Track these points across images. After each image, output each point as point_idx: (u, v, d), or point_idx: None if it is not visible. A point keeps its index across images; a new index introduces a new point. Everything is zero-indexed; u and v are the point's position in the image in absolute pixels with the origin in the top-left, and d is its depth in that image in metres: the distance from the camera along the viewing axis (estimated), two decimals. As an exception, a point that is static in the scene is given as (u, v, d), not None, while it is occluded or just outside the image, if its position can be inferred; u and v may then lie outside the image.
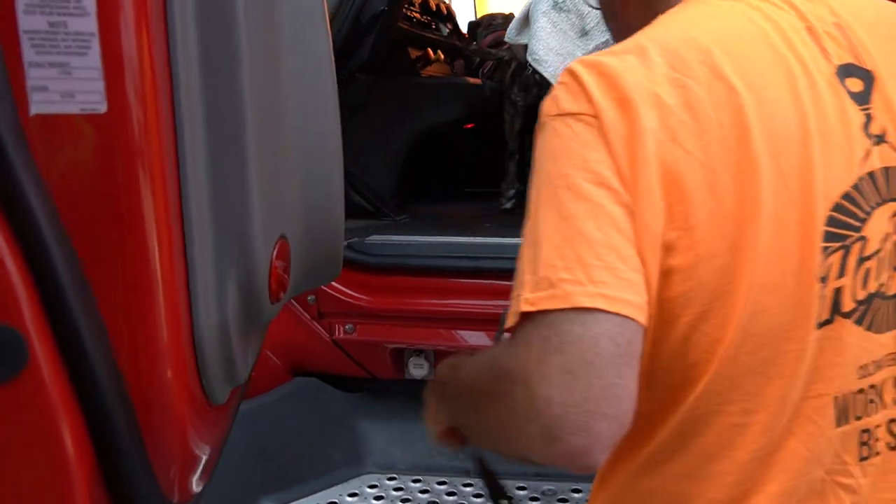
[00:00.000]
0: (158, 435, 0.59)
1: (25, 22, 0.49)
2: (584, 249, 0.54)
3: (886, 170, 0.61)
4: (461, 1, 3.91)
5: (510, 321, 0.55)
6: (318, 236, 0.77)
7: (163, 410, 0.60)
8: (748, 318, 0.57)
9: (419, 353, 1.84)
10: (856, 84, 0.62)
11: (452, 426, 0.69)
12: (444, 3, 3.02)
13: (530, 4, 1.89)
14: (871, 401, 0.62)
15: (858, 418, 0.62)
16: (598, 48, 1.75)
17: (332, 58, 0.76)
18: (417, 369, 1.83)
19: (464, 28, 3.21)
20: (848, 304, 0.60)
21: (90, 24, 0.50)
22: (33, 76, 0.50)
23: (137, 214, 0.55)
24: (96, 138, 0.53)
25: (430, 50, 2.74)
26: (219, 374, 0.67)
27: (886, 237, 0.61)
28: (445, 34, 2.93)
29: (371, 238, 1.87)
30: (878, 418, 0.63)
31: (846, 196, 0.60)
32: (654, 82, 0.57)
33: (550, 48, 1.78)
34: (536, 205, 0.57)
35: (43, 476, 0.53)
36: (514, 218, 2.28)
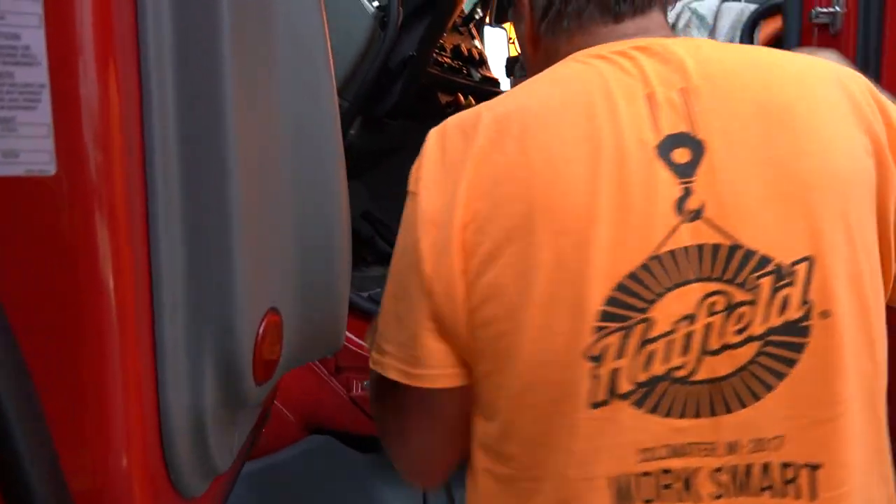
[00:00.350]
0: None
1: (-36, 72, 0.43)
2: (396, 327, 0.68)
3: (699, 248, 0.60)
4: (495, 41, 3.90)
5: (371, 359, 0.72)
6: (317, 305, 0.69)
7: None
8: (523, 390, 0.62)
9: (441, 412, 1.73)
10: (683, 155, 0.61)
11: None
12: (476, 48, 2.99)
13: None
14: (667, 486, 0.61)
15: (648, 501, 0.61)
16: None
17: (336, 103, 0.69)
18: (438, 430, 1.71)
19: (499, 66, 3.17)
20: (625, 386, 0.60)
21: (40, 74, 0.44)
22: (-28, 133, 0.44)
23: (91, 288, 0.48)
24: (43, 204, 0.46)
25: (460, 95, 2.69)
26: (191, 465, 0.58)
27: (687, 319, 0.60)
28: (477, 79, 2.88)
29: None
30: None
31: (632, 276, 0.59)
32: (469, 152, 0.64)
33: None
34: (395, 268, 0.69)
35: None
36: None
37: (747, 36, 1.55)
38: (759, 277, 0.59)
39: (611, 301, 0.59)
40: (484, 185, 0.63)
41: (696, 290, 0.60)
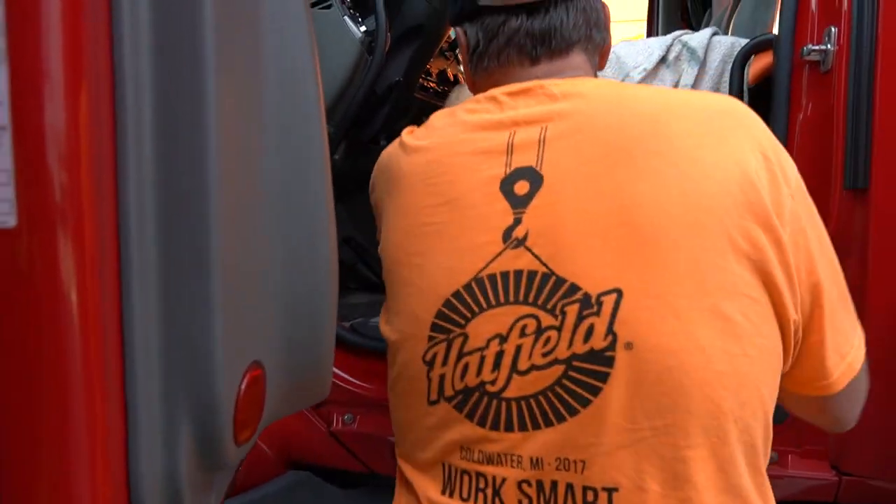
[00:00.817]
0: None
1: (-85, 113, 0.38)
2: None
3: (518, 273, 0.64)
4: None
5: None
6: (303, 355, 0.65)
7: None
8: (393, 383, 0.77)
9: (425, 448, 1.68)
10: (522, 187, 0.67)
11: None
12: (462, 72, 2.97)
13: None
14: (481, 489, 0.67)
15: (464, 499, 0.68)
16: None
17: (326, 139, 0.65)
18: (422, 466, 1.66)
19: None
20: (448, 390, 0.68)
21: (1, 116, 0.40)
22: (-77, 180, 0.39)
23: (55, 350, 0.43)
24: (2, 259, 0.41)
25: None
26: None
27: (498, 338, 0.65)
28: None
29: (376, 320, 1.75)
30: None
31: (456, 295, 0.67)
32: (378, 177, 0.83)
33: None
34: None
35: None
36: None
37: (738, 70, 1.54)
38: (566, 305, 0.62)
39: (439, 315, 0.68)
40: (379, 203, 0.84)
41: (510, 312, 0.65)
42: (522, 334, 0.64)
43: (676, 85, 1.64)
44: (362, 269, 2.20)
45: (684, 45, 1.64)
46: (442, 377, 0.69)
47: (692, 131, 0.66)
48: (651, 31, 3.22)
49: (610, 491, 0.62)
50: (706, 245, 0.62)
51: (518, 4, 0.77)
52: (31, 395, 0.42)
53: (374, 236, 2.07)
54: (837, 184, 1.35)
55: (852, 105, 1.32)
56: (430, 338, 0.69)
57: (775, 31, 1.55)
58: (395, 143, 0.82)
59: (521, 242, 0.65)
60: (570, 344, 0.62)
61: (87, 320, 0.44)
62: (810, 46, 1.37)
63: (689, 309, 0.61)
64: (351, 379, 1.64)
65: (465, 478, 0.69)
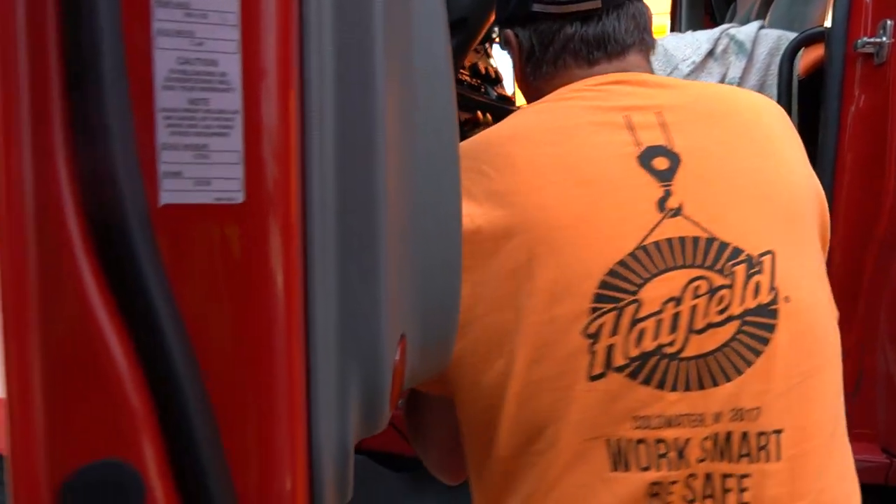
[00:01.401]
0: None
1: (163, 99, 0.42)
2: None
3: (681, 239, 0.69)
4: (503, 60, 3.93)
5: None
6: (434, 330, 0.68)
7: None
8: (529, 370, 0.68)
9: (476, 432, 1.72)
10: (662, 163, 0.72)
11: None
12: (493, 66, 3.00)
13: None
14: (662, 455, 0.68)
15: (645, 469, 0.68)
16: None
17: (458, 137, 0.69)
18: (474, 450, 1.71)
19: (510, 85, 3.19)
20: (619, 360, 0.68)
21: (235, 100, 0.43)
22: (166, 160, 0.43)
23: (268, 325, 0.47)
24: (229, 235, 0.45)
25: (479, 112, 2.70)
26: (332, 493, 0.57)
27: (672, 301, 0.68)
28: (494, 97, 2.89)
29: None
30: (673, 473, 0.68)
31: (621, 263, 0.68)
32: (466, 177, 0.71)
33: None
34: None
35: None
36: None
37: (788, 62, 1.57)
38: (734, 266, 0.69)
39: (603, 285, 0.67)
40: (478, 196, 0.72)
41: (681, 275, 0.68)
42: (696, 295, 0.67)
43: (724, 77, 1.67)
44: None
45: (732, 38, 1.67)
46: (610, 347, 0.68)
47: (779, 129, 0.79)
48: (675, 26, 3.24)
49: (778, 433, 0.68)
50: (810, 223, 0.75)
51: (572, 12, 0.80)
52: (248, 357, 0.46)
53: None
54: (892, 176, 1.38)
55: (906, 97, 1.35)
56: (594, 309, 0.68)
57: (826, 23, 1.58)
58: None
59: (677, 212, 0.69)
60: (743, 300, 0.68)
61: (291, 296, 0.47)
62: (865, 39, 1.40)
63: (815, 271, 0.73)
64: (405, 365, 1.67)
65: (642, 447, 0.68)
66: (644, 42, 0.84)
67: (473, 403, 0.74)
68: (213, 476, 0.43)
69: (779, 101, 1.57)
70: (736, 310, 0.68)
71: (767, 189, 0.72)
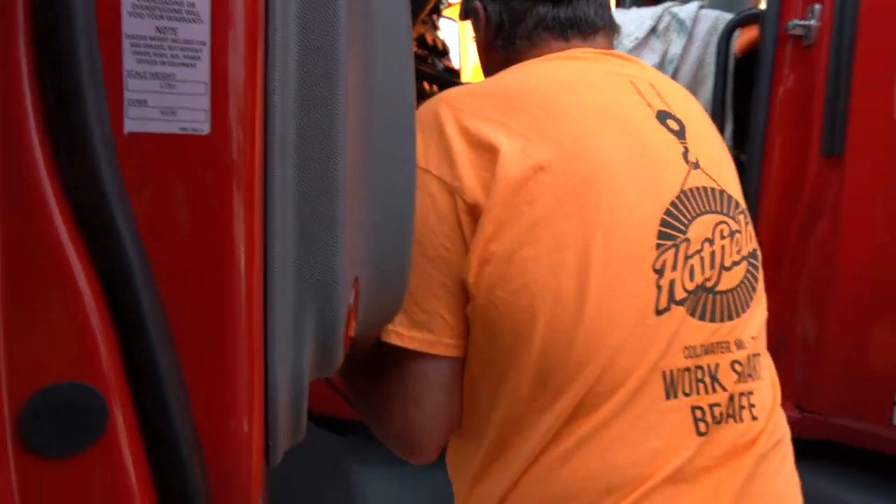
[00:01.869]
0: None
1: (130, 25, 0.42)
2: (415, 299, 0.73)
3: (705, 189, 0.76)
4: (447, 32, 3.92)
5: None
6: (386, 278, 0.70)
7: (236, 473, 0.52)
8: (596, 308, 0.69)
9: (419, 395, 1.75)
10: (674, 124, 0.79)
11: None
12: (440, 38, 3.00)
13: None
14: (700, 380, 0.73)
15: (687, 394, 0.72)
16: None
17: (414, 85, 0.70)
18: (416, 413, 1.73)
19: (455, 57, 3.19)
20: (680, 294, 0.72)
21: (203, 32, 0.44)
22: (132, 88, 0.43)
23: (226, 253, 0.48)
24: (193, 165, 0.45)
25: (425, 84, 2.70)
26: (286, 431, 0.59)
27: (707, 241, 0.75)
28: (440, 69, 2.90)
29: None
30: (714, 398, 0.73)
31: (673, 204, 0.73)
32: (502, 113, 0.72)
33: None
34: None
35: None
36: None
37: (725, 41, 1.64)
38: (737, 214, 0.79)
39: (663, 223, 0.72)
40: (527, 133, 0.72)
41: (710, 219, 0.75)
42: (722, 237, 0.75)
43: (665, 54, 1.72)
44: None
45: (674, 16, 1.72)
46: (672, 282, 0.71)
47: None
48: (619, 2, 3.30)
49: (758, 356, 0.79)
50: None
51: None
52: (211, 290, 0.47)
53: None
54: (815, 151, 1.47)
55: (832, 78, 1.43)
56: (659, 245, 0.71)
57: (762, 6, 1.65)
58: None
59: (697, 165, 0.77)
60: (747, 244, 0.79)
61: (251, 230, 0.49)
62: (795, 21, 1.47)
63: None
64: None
65: (687, 375, 0.72)
66: (612, 25, 0.89)
67: (516, 348, 0.72)
68: (175, 406, 0.44)
69: (716, 79, 1.64)
70: (745, 251, 0.78)
71: (726, 159, 0.84)
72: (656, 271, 0.71)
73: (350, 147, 0.58)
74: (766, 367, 0.81)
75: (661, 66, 1.72)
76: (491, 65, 0.92)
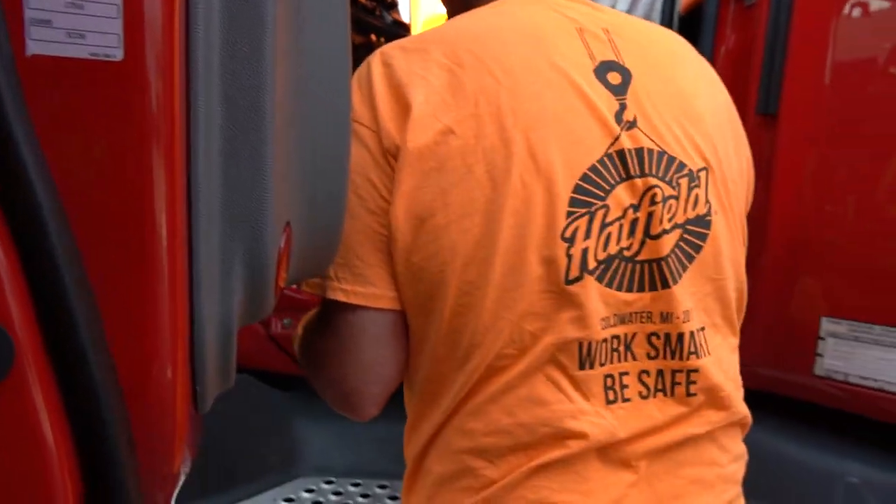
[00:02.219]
0: (151, 450, 0.50)
1: (30, -64, 0.39)
2: (345, 253, 0.72)
3: (639, 150, 0.72)
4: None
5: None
6: (321, 223, 0.69)
7: (159, 420, 0.50)
8: (503, 274, 0.68)
9: (362, 350, 1.75)
10: (615, 78, 0.74)
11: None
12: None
13: None
14: (615, 349, 0.72)
15: (602, 364, 0.71)
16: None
17: (349, 31, 0.68)
18: (359, 368, 1.73)
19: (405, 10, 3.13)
20: (591, 263, 0.70)
21: (112, -51, 0.41)
22: (33, 6, 0.40)
23: (145, 190, 0.46)
24: (106, 93, 0.43)
25: (373, 36, 2.64)
26: (214, 377, 0.57)
27: (632, 207, 0.71)
28: (389, 22, 2.84)
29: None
30: (625, 366, 0.73)
31: (592, 169, 0.70)
32: (425, 68, 0.70)
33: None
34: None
35: (24, 486, 0.43)
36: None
37: (668, 3, 1.64)
38: (678, 178, 0.74)
39: (576, 189, 0.69)
40: (441, 89, 0.70)
41: (640, 184, 0.71)
42: (652, 202, 0.71)
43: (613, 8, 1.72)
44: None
45: (620, -27, 1.72)
46: (585, 251, 0.69)
47: (696, 59, 0.85)
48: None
49: (702, 330, 0.76)
50: (729, 143, 0.81)
51: None
52: (129, 226, 0.45)
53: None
54: (751, 109, 1.50)
55: (770, 38, 1.45)
56: (569, 213, 0.69)
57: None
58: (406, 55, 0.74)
59: (632, 125, 0.72)
60: (685, 211, 0.73)
61: (170, 163, 0.47)
62: (738, -19, 1.49)
63: (735, 184, 0.79)
64: (291, 284, 1.66)
65: (602, 346, 0.71)
66: None
67: (431, 309, 0.72)
68: (91, 349, 0.43)
69: (660, 37, 1.65)
70: (680, 218, 0.73)
71: (702, 114, 0.77)
72: (566, 239, 0.68)
73: (279, 84, 0.56)
74: (720, 347, 0.77)
75: (607, 22, 1.72)
76: (450, 9, 0.90)
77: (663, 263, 0.72)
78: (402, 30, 3.01)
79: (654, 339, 0.73)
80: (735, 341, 0.81)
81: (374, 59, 0.75)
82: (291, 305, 1.71)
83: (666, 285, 0.72)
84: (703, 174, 0.75)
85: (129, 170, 0.45)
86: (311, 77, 0.63)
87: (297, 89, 0.62)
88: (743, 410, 0.80)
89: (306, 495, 1.60)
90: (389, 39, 2.91)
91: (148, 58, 0.44)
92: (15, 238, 0.40)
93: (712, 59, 1.54)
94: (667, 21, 1.65)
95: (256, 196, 0.55)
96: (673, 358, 0.74)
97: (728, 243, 0.77)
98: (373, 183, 0.72)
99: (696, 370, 0.74)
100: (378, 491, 1.63)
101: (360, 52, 2.58)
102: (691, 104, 0.77)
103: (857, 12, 1.45)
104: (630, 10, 1.66)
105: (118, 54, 0.42)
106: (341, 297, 0.72)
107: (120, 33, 0.42)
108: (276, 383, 1.73)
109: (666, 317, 0.73)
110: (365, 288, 0.73)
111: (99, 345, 0.44)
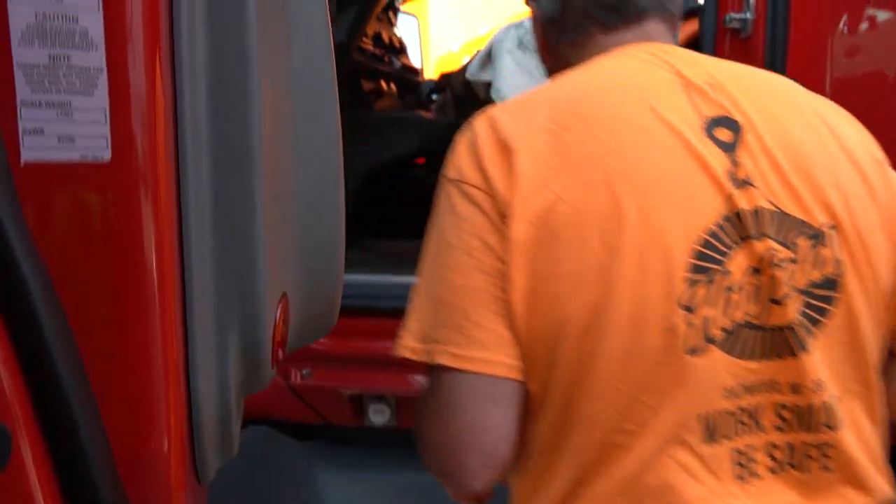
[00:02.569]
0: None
1: (21, 54, 0.42)
2: (451, 315, 0.67)
3: (755, 211, 0.68)
4: (407, 29, 3.91)
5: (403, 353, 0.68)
6: (318, 290, 0.71)
7: (156, 493, 0.52)
8: (620, 345, 0.65)
9: (380, 399, 1.76)
10: (725, 134, 0.70)
11: None
12: (396, 36, 3.00)
13: (493, 42, 1.89)
14: (742, 423, 0.68)
15: (728, 438, 0.68)
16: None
17: (338, 100, 0.70)
18: (378, 416, 1.74)
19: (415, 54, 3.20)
20: (713, 331, 0.66)
21: (98, 58, 0.44)
22: (27, 117, 0.43)
23: (138, 283, 0.48)
24: (97, 191, 0.45)
25: (383, 82, 2.70)
26: (214, 448, 0.59)
27: (752, 271, 0.68)
28: (398, 67, 2.90)
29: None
30: (753, 440, 0.68)
31: (709, 232, 0.67)
32: (531, 132, 0.68)
33: (515, 87, 1.77)
34: (429, 257, 0.69)
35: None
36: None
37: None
38: (799, 238, 0.69)
39: (695, 254, 0.65)
40: (547, 154, 0.67)
41: (758, 246, 0.67)
42: (773, 265, 0.67)
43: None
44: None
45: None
46: (706, 320, 0.66)
47: (823, 107, 0.78)
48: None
49: (838, 399, 0.69)
50: (865, 196, 0.74)
51: None
52: (119, 315, 0.47)
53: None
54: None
55: (767, 68, 1.46)
56: (688, 280, 0.65)
57: (701, 0, 1.68)
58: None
59: (746, 183, 0.69)
60: (809, 272, 0.69)
61: (161, 246, 0.49)
62: (732, 14, 1.50)
63: (872, 243, 0.72)
64: (307, 334, 1.68)
65: (727, 418, 0.67)
66: (664, 8, 0.80)
67: (552, 377, 0.67)
68: (84, 431, 0.44)
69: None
70: (803, 281, 0.69)
71: (814, 163, 0.71)
72: (685, 308, 0.65)
73: (268, 161, 0.58)
74: (859, 416, 0.71)
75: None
76: (551, 67, 0.86)
77: (787, 331, 0.68)
78: (412, 74, 3.08)
79: (783, 410, 0.69)
80: (879, 407, 0.74)
81: (480, 122, 0.72)
82: (310, 356, 1.72)
83: (793, 353, 0.68)
84: (828, 231, 0.70)
85: (122, 261, 0.47)
86: (301, 146, 0.66)
87: (287, 163, 0.65)
88: (888, 491, 0.72)
89: (328, 546, 1.61)
90: (400, 84, 2.98)
91: (137, 156, 0.46)
92: (10, 332, 0.42)
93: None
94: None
95: (249, 275, 0.57)
96: (804, 431, 0.69)
97: (863, 302, 0.71)
98: (489, 245, 0.67)
99: (830, 444, 0.69)
100: (401, 540, 1.63)
101: (372, 98, 2.64)
102: (809, 155, 0.71)
103: (850, 45, 1.46)
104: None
105: (106, 155, 0.44)
106: (447, 362, 0.67)
107: (107, 135, 0.44)
108: (296, 434, 1.74)
109: (795, 387, 0.69)
110: (478, 352, 0.67)
111: (94, 428, 0.46)
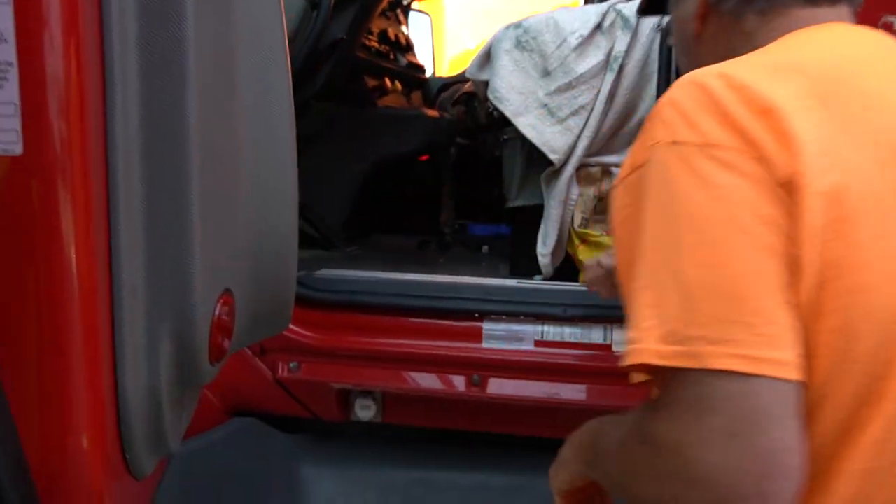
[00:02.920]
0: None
1: (-72, 47, 0.42)
2: (727, 306, 0.53)
3: None
4: (420, 26, 3.89)
5: (637, 368, 0.54)
6: (269, 287, 0.70)
7: (75, 490, 0.52)
8: None
9: (367, 394, 1.77)
10: None
11: (580, 488, 0.69)
12: (403, 33, 2.99)
13: (492, 41, 1.87)
14: None
15: None
16: (559, 89, 1.74)
17: (291, 90, 0.69)
18: (364, 411, 1.74)
19: (425, 52, 3.19)
20: None
21: (8, 52, 0.43)
22: (-65, 109, 0.43)
23: (55, 273, 0.48)
24: (9, 185, 0.45)
25: (387, 80, 2.69)
26: (146, 444, 0.59)
27: None
28: (404, 65, 2.89)
29: (320, 272, 1.80)
30: None
31: None
32: (796, 97, 0.57)
33: (512, 87, 1.76)
34: (663, 241, 0.55)
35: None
36: (467, 254, 2.22)
37: (667, 39, 1.63)
38: None
39: None
40: (828, 128, 0.57)
41: None
42: None
43: (610, 51, 1.72)
44: (303, 224, 2.24)
45: (619, 12, 1.72)
46: None
47: None
48: (588, -1, 3.29)
49: None
50: None
51: None
52: (34, 309, 0.47)
53: (316, 195, 2.09)
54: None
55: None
56: None
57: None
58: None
59: None
60: None
61: (81, 240, 0.48)
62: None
63: None
64: (295, 328, 1.69)
65: None
66: None
67: (840, 388, 0.57)
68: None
69: (659, 76, 1.64)
70: None
71: None
72: None
73: (209, 150, 0.57)
74: None
75: (606, 63, 1.72)
76: (698, 42, 0.75)
77: None
78: (418, 72, 3.07)
79: None
80: None
81: (709, 80, 0.59)
82: (298, 348, 1.73)
83: None
84: None
85: (37, 255, 0.47)
86: (250, 140, 0.65)
87: (232, 157, 0.64)
88: None
89: (310, 541, 1.61)
90: (405, 82, 2.97)
91: (53, 150, 0.46)
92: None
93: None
94: (665, 60, 1.64)
95: (181, 268, 0.56)
96: None
97: None
98: (771, 220, 0.55)
99: None
100: (383, 537, 1.63)
101: (374, 95, 2.64)
102: None
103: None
104: (628, 51, 1.66)
105: (17, 149, 0.44)
106: (741, 367, 0.53)
107: (18, 129, 0.44)
108: (283, 426, 1.74)
109: None
110: (776, 352, 0.54)
111: (4, 426, 0.46)
